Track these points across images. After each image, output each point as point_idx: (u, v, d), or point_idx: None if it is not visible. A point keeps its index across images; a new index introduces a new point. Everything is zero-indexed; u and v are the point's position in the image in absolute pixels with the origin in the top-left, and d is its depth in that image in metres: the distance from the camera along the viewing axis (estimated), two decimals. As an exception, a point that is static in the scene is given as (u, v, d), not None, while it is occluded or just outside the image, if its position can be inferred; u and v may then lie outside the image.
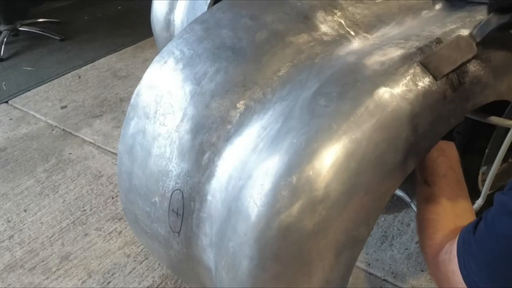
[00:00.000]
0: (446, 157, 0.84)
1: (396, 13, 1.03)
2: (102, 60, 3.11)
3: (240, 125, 0.87)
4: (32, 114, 2.56)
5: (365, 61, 0.84)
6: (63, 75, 2.96)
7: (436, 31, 0.91)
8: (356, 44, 0.95)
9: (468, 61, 0.83)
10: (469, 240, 0.65)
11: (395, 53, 0.84)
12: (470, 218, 0.78)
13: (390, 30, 0.99)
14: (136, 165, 0.99)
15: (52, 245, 1.70)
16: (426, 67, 0.80)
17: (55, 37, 3.42)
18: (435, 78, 0.80)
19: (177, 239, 0.93)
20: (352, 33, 0.97)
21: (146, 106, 1.00)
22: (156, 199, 0.95)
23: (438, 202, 0.79)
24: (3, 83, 2.90)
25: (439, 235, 0.75)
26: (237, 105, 0.89)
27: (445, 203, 0.79)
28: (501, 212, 0.60)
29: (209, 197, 0.87)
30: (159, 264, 1.57)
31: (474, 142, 1.29)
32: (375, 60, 0.84)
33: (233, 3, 1.09)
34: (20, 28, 3.43)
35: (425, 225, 0.80)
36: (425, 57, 0.81)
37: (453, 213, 0.78)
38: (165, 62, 1.02)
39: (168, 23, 1.89)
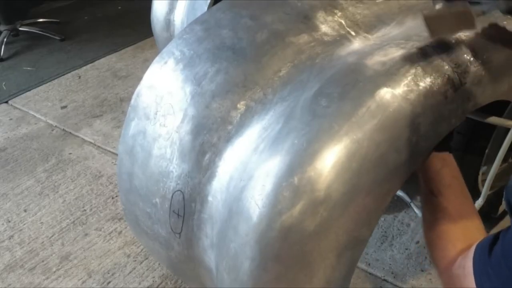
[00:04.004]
0: (449, 167, 0.84)
1: (396, 13, 1.03)
2: (102, 60, 3.10)
3: (241, 125, 0.87)
4: (32, 114, 2.56)
5: (366, 61, 0.84)
6: (63, 75, 2.96)
7: (437, 31, 0.91)
8: (356, 44, 0.95)
9: (465, 32, 0.84)
10: (485, 261, 0.64)
11: (396, 53, 0.84)
12: (478, 225, 0.78)
13: (391, 30, 0.98)
14: (137, 166, 0.99)
15: (52, 245, 1.70)
16: (426, 24, 0.81)
17: (55, 37, 3.41)
18: (431, 35, 0.82)
19: (178, 240, 0.93)
20: (353, 33, 0.97)
21: (147, 107, 1.00)
22: (157, 200, 0.95)
23: (446, 212, 0.79)
24: (3, 83, 2.90)
25: (451, 247, 0.75)
26: (238, 105, 0.89)
27: (453, 212, 0.79)
28: None
29: (210, 198, 0.87)
30: (159, 264, 1.57)
31: (474, 142, 1.29)
32: (376, 60, 0.83)
33: (233, 3, 1.09)
34: (20, 28, 3.42)
35: (435, 236, 0.80)
36: (427, 16, 0.81)
37: (462, 222, 0.78)
38: (165, 63, 1.01)
39: (168, 23, 1.89)
